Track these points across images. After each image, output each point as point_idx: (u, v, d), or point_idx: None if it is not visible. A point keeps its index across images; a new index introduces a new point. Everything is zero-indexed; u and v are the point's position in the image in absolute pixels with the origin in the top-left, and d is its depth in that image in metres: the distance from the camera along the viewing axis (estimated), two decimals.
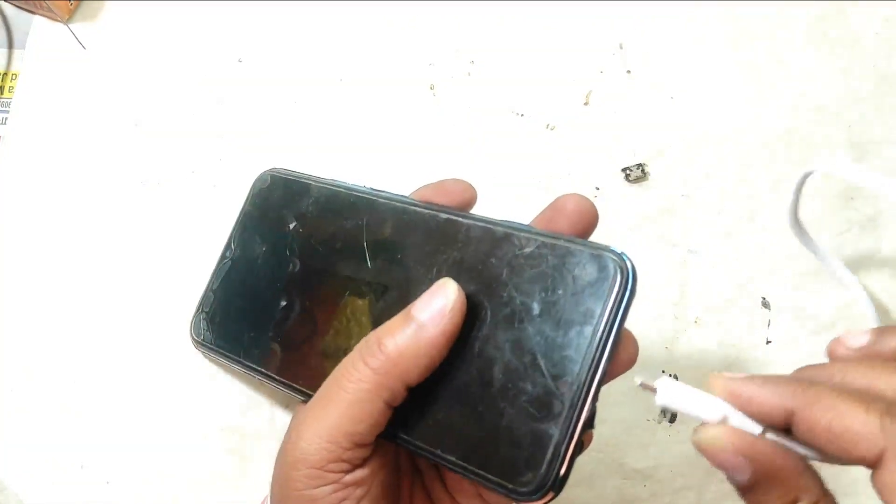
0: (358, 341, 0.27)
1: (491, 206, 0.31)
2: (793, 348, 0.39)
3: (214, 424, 0.37)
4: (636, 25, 0.43)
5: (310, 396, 0.29)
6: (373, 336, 0.26)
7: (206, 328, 0.36)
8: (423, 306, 0.26)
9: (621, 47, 0.43)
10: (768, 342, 0.39)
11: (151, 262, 0.39)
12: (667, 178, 0.41)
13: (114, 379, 0.38)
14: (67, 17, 0.43)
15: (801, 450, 0.22)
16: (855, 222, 0.40)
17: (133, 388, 0.38)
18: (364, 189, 0.32)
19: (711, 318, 0.39)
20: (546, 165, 0.41)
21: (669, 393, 0.23)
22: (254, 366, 0.33)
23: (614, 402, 0.38)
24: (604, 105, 0.42)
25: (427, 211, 0.29)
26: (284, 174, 0.35)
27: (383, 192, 0.31)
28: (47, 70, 0.43)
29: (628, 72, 0.43)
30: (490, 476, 0.24)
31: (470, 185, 0.30)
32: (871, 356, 0.24)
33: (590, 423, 0.24)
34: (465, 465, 0.25)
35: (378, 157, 0.41)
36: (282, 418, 0.37)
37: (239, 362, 0.34)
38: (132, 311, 0.39)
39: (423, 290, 0.26)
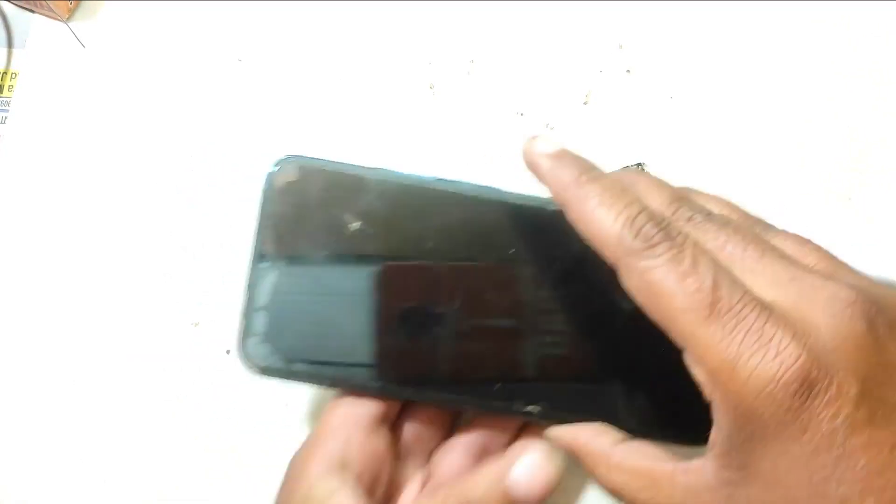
0: (521, 332, 0.30)
1: None
2: None
3: (213, 424, 0.37)
4: (636, 25, 0.43)
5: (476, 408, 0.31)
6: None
7: (270, 352, 0.30)
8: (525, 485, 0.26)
9: (621, 47, 0.43)
10: None
11: (152, 263, 0.39)
12: (666, 178, 0.41)
13: (112, 378, 0.38)
14: (67, 17, 0.43)
15: None
16: (854, 222, 0.40)
17: (131, 388, 0.38)
18: (433, 180, 0.32)
19: None
20: None
21: None
22: (383, 384, 0.30)
23: None
24: (603, 105, 0.42)
25: (530, 204, 0.31)
26: (319, 165, 0.32)
27: (458, 182, 0.31)
28: (47, 69, 0.43)
29: (628, 71, 0.43)
30: (679, 435, 0.29)
31: None
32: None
33: None
34: (650, 431, 0.28)
35: (377, 156, 0.41)
36: (278, 419, 0.37)
37: (350, 383, 0.30)
38: (131, 310, 0.39)
39: (555, 285, 0.30)
